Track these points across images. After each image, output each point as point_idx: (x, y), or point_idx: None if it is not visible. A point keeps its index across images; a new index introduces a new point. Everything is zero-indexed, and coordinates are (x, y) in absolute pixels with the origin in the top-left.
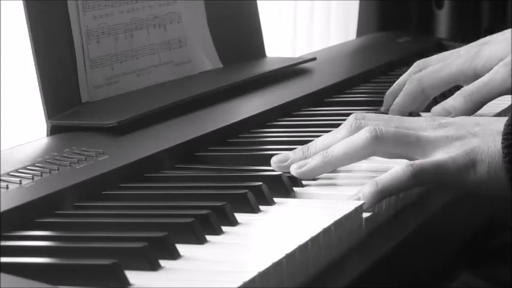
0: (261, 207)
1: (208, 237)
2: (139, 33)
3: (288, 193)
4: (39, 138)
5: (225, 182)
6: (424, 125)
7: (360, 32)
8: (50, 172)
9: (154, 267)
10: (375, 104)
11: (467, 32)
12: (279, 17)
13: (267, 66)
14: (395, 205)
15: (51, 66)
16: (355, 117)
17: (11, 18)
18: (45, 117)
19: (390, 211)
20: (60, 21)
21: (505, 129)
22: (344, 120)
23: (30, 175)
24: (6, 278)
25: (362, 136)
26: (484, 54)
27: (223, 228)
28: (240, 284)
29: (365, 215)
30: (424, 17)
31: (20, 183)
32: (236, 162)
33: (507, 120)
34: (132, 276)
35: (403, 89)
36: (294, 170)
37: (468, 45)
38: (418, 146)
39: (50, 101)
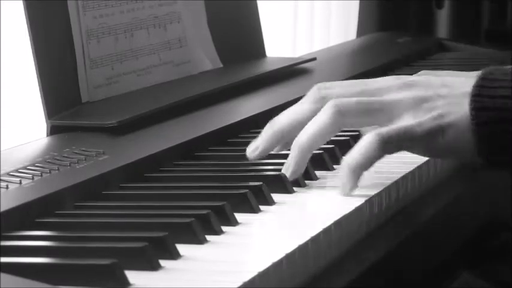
0: (261, 207)
1: (208, 237)
2: (139, 33)
3: (288, 193)
4: (39, 138)
5: (225, 182)
6: (389, 84)
7: (360, 32)
8: (50, 172)
9: (155, 267)
10: None
11: (467, 32)
12: (279, 17)
13: (267, 66)
14: (396, 205)
15: (51, 66)
16: (318, 87)
17: (11, 18)
18: (45, 117)
19: (390, 211)
20: (60, 21)
21: (472, 90)
22: None
23: (30, 175)
24: (6, 278)
25: (325, 115)
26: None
27: (223, 228)
28: (240, 284)
29: (356, 203)
30: (424, 17)
31: (20, 183)
32: (236, 162)
33: (476, 82)
34: (132, 276)
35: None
36: (288, 173)
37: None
38: (383, 112)
39: (50, 101)
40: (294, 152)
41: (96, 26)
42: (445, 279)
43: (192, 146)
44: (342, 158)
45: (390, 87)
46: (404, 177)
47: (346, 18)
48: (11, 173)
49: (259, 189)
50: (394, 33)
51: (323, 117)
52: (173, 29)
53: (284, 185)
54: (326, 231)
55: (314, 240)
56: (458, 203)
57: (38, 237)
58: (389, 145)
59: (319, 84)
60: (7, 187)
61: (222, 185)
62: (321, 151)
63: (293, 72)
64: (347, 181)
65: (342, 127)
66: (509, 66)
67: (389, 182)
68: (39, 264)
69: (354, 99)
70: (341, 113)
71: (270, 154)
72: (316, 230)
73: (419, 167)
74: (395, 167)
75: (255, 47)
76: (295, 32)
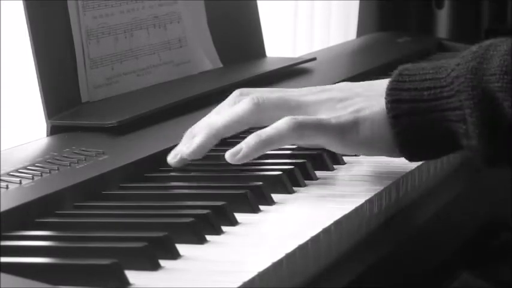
0: (261, 207)
1: (208, 237)
2: (139, 33)
3: (288, 193)
4: (39, 138)
5: (225, 182)
6: (305, 92)
7: (360, 32)
8: (50, 172)
9: (155, 267)
10: None
11: (467, 32)
12: (279, 17)
13: (267, 66)
14: (396, 205)
15: (51, 66)
16: (239, 92)
17: (11, 18)
18: (45, 117)
19: (390, 211)
20: (60, 21)
21: (388, 85)
22: None
23: (30, 175)
24: (6, 278)
25: (244, 105)
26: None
27: (223, 228)
28: (240, 284)
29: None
30: (424, 17)
31: (20, 183)
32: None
33: (392, 77)
34: (132, 276)
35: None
36: (185, 150)
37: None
38: (299, 109)
39: (50, 101)
40: (203, 131)
41: (96, 26)
42: (445, 279)
43: None
44: (342, 158)
45: (307, 93)
46: (404, 177)
47: (346, 18)
48: (11, 173)
49: (259, 189)
50: (394, 33)
51: (242, 106)
52: (173, 29)
53: (284, 185)
54: (326, 231)
55: (314, 240)
56: (458, 203)
57: (38, 237)
58: (302, 131)
59: (240, 90)
60: (7, 187)
61: (222, 185)
62: (320, 151)
63: (293, 72)
64: (252, 146)
65: (258, 122)
66: (424, 63)
67: (389, 182)
68: (39, 264)
69: (273, 95)
70: (259, 106)
71: (268, 154)
72: (316, 230)
73: (419, 167)
74: (395, 167)
75: (255, 47)
76: (295, 32)
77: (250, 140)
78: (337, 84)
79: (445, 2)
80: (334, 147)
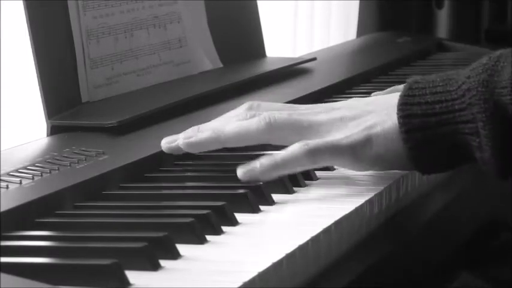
0: (261, 207)
1: (208, 237)
2: (139, 33)
3: (289, 193)
4: (39, 138)
5: (225, 182)
6: (317, 111)
7: (360, 32)
8: (50, 172)
9: (155, 267)
10: None
11: (467, 32)
12: (279, 17)
13: (267, 66)
14: (396, 205)
15: (51, 66)
16: (250, 106)
17: (11, 18)
18: (45, 117)
19: (390, 211)
20: (60, 21)
21: (399, 100)
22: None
23: (30, 175)
24: (6, 278)
25: (255, 122)
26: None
27: (223, 228)
28: (240, 284)
29: (356, 203)
30: (424, 17)
31: (20, 183)
32: (236, 162)
33: (402, 92)
34: (132, 276)
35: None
36: (181, 141)
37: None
38: (311, 130)
39: (50, 101)
40: (209, 132)
41: (96, 26)
42: (445, 279)
43: None
44: None
45: (318, 111)
46: (404, 177)
47: (346, 18)
48: (11, 173)
49: (259, 189)
50: (394, 33)
51: (253, 124)
52: (173, 29)
53: (284, 185)
54: (326, 231)
55: (314, 240)
56: (458, 203)
57: (38, 237)
58: (316, 156)
59: (251, 102)
60: (7, 187)
61: (222, 185)
62: None
63: (293, 72)
64: (266, 166)
65: (267, 141)
66: (434, 75)
67: (389, 182)
68: (39, 264)
69: (285, 114)
70: (271, 126)
71: (271, 154)
72: (316, 230)
73: None
74: None
75: (255, 47)
76: (295, 32)
77: (265, 161)
78: (346, 102)
79: (445, 2)
80: (348, 166)
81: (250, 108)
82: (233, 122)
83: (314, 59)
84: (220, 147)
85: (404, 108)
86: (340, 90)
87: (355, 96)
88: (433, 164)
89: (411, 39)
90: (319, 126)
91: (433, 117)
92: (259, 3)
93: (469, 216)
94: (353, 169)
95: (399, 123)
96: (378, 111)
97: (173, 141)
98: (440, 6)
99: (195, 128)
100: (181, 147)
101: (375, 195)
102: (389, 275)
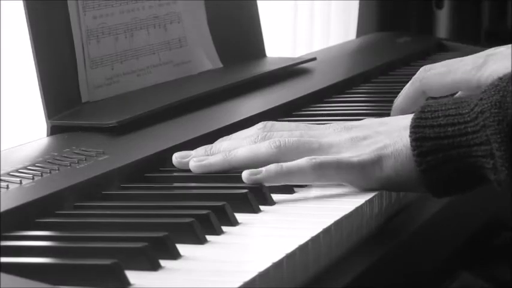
0: (261, 207)
1: (208, 237)
2: (139, 33)
3: (289, 193)
4: (39, 138)
5: (225, 182)
6: (328, 132)
7: (360, 32)
8: (50, 172)
9: (155, 267)
10: (374, 104)
11: (467, 32)
12: (279, 17)
13: (267, 66)
14: (396, 205)
15: (51, 66)
16: (263, 126)
17: (11, 18)
18: (45, 117)
19: (390, 211)
20: (60, 21)
21: (412, 122)
22: (344, 119)
23: (30, 175)
24: (6, 278)
25: (265, 146)
26: (489, 67)
27: (223, 228)
28: (240, 284)
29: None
30: (424, 17)
31: (20, 183)
32: None
33: (414, 114)
34: (132, 276)
35: (405, 90)
36: (192, 163)
37: (474, 55)
38: (321, 151)
39: (50, 101)
40: (220, 155)
41: (96, 26)
42: (445, 279)
43: (192, 146)
44: None
45: (329, 132)
46: None
47: (346, 18)
48: (11, 173)
49: (259, 189)
50: (394, 33)
51: (263, 149)
52: (173, 29)
53: (284, 185)
54: (326, 231)
55: (314, 240)
56: (458, 203)
57: (38, 237)
58: (323, 171)
59: (264, 123)
60: (7, 187)
61: (222, 185)
62: None
63: (293, 72)
64: (273, 173)
65: (279, 161)
66: (446, 98)
67: None
68: (39, 264)
69: (295, 138)
70: (280, 150)
71: None
72: (316, 230)
73: None
74: None
75: (255, 47)
76: (295, 32)
77: (272, 167)
78: (359, 122)
79: (445, 2)
80: (357, 185)
81: (263, 129)
82: (244, 144)
83: (314, 59)
84: (230, 169)
85: (417, 130)
86: (340, 90)
87: (355, 96)
88: (446, 187)
89: (411, 39)
90: (329, 148)
91: (445, 139)
92: (259, 3)
93: (469, 216)
94: (358, 187)
95: (412, 146)
96: (389, 133)
97: (185, 156)
98: (440, 6)
99: (207, 147)
100: (191, 168)
101: (375, 195)
102: (389, 275)
